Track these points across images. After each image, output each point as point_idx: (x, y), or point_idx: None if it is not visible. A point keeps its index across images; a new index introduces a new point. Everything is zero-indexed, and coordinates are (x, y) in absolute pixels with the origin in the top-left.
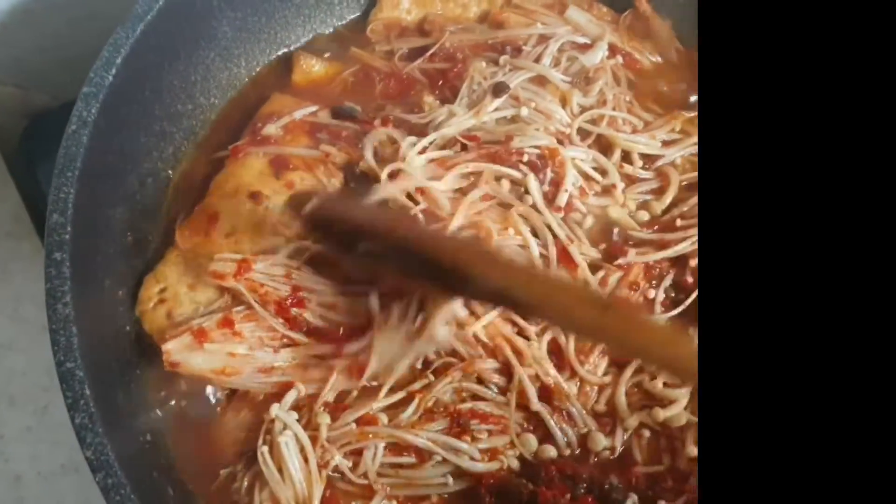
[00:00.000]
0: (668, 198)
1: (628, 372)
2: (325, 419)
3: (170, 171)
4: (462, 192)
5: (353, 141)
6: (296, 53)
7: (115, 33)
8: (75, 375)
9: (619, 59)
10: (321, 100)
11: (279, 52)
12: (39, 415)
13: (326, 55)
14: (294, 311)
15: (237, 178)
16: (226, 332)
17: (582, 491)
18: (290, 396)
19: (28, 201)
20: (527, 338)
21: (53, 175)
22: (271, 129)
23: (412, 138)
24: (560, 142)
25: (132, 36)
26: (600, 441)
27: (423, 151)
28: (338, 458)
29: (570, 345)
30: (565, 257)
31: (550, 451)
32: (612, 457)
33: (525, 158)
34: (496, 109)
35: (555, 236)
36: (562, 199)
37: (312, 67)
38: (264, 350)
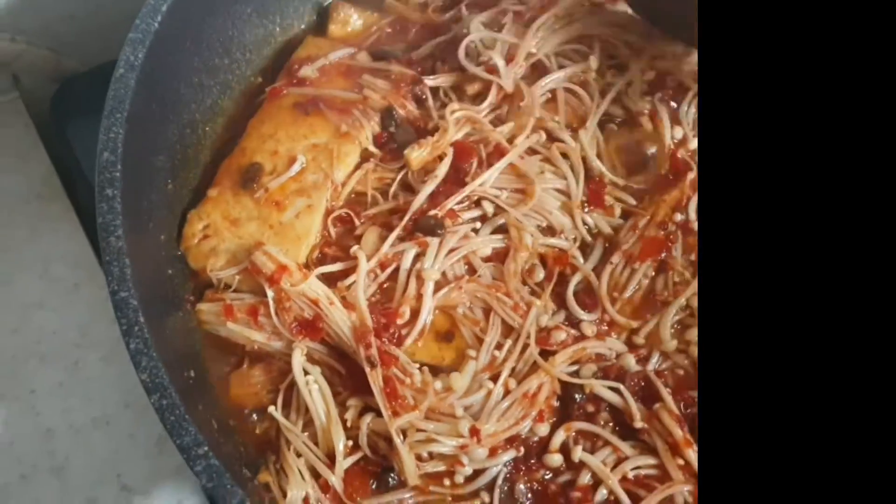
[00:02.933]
0: None
1: (672, 310)
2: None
3: (207, 127)
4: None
5: (398, 85)
6: (333, 3)
7: None
8: (129, 304)
9: None
10: (358, 44)
11: (314, 10)
12: (71, 370)
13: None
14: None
15: (274, 119)
16: (249, 319)
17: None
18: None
19: (57, 163)
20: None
21: (104, 116)
22: (308, 70)
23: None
24: None
25: None
26: (631, 363)
27: None
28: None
29: (602, 284)
30: (597, 198)
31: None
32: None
33: None
34: None
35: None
36: None
37: (350, 17)
38: (280, 341)
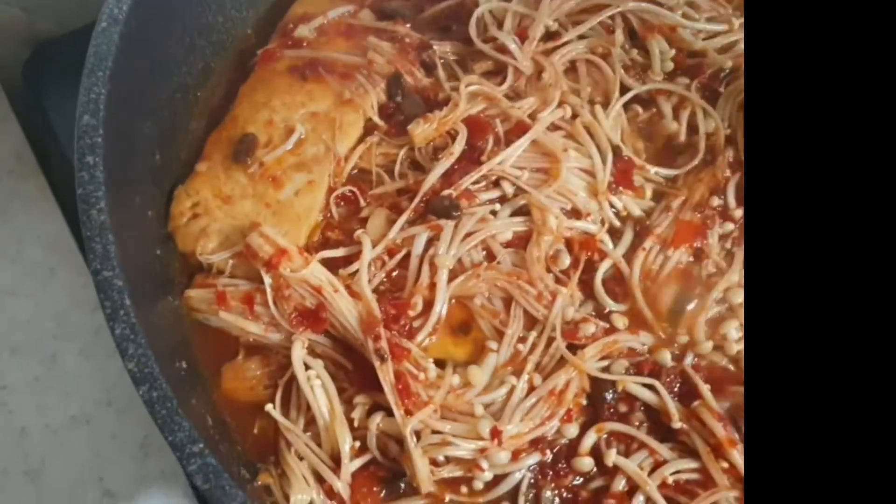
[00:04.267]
0: None
1: (710, 298)
2: None
3: (199, 92)
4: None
5: (405, 50)
6: None
7: None
8: (113, 285)
9: None
10: (358, 3)
11: None
12: (47, 364)
13: None
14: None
15: (267, 85)
16: (244, 308)
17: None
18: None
19: (31, 136)
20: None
21: (83, 75)
22: (304, 30)
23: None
24: None
25: None
26: (666, 359)
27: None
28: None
29: (634, 272)
30: (625, 179)
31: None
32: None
33: None
34: None
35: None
36: None
37: None
38: (279, 333)
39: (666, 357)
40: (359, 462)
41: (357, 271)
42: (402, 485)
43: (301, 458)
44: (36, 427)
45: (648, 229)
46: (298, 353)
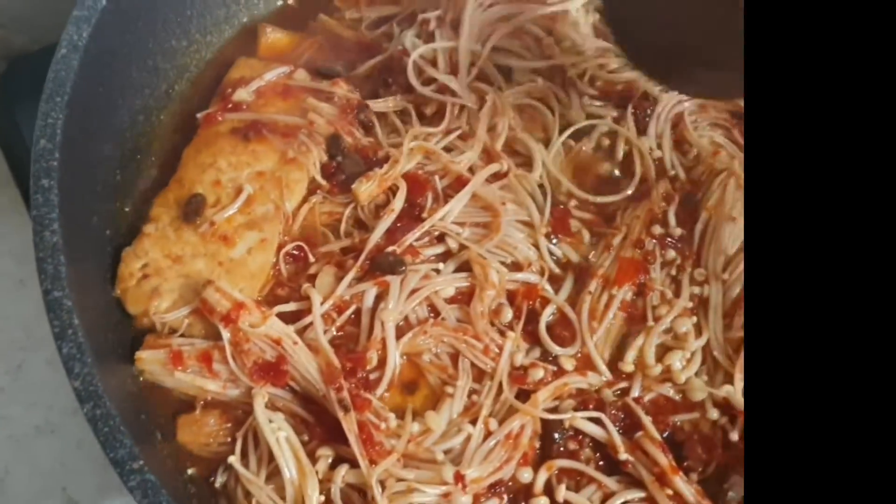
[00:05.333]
0: None
1: (659, 327)
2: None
3: (162, 115)
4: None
5: (344, 110)
6: (260, 25)
7: None
8: (63, 305)
9: None
10: (292, 63)
11: None
12: (13, 374)
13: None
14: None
15: (211, 147)
16: (202, 367)
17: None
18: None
19: (5, 149)
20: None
21: (41, 101)
22: (243, 94)
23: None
24: None
25: None
26: (608, 394)
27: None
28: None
29: (582, 317)
30: (563, 226)
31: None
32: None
33: None
34: None
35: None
36: None
37: (279, 40)
38: (237, 389)
39: (608, 393)
40: None
41: (308, 325)
42: None
43: None
44: (0, 436)
45: (591, 270)
46: (261, 407)
